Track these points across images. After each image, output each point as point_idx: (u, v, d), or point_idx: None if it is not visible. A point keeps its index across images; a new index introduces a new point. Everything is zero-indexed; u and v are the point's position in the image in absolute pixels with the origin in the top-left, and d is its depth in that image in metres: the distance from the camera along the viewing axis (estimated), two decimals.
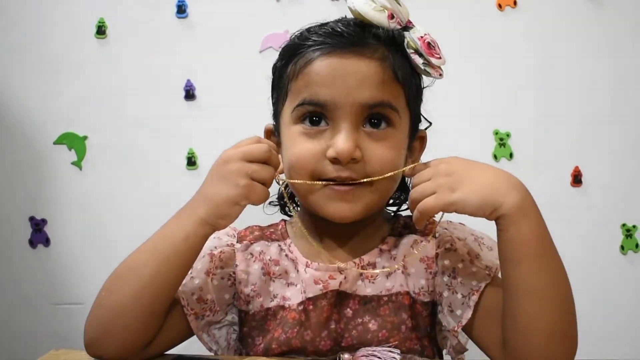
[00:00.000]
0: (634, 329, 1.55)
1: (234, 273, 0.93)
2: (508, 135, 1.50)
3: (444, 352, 0.96)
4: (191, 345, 0.94)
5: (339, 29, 0.87)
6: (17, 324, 1.50)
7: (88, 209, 1.49)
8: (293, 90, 0.88)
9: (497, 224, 0.79)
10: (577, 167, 1.51)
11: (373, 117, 0.87)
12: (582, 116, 1.51)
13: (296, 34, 0.92)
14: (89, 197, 1.49)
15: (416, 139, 0.97)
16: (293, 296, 0.91)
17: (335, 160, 0.84)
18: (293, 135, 0.88)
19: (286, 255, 0.94)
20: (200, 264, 0.91)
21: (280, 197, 1.05)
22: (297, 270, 0.92)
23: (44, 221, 1.49)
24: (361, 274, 0.92)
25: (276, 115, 0.95)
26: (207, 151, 1.49)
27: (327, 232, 0.94)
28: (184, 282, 0.88)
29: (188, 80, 1.48)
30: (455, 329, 0.89)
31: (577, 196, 1.52)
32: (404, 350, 0.89)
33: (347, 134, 0.84)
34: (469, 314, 0.87)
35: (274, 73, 0.95)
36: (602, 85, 1.51)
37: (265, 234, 0.98)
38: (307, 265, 0.91)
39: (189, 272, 0.89)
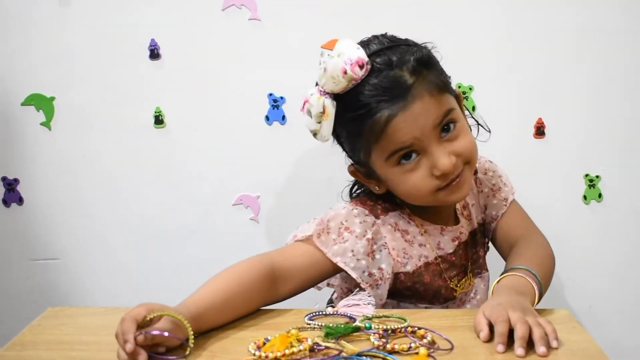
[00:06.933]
0: (596, 277, 1.59)
1: (386, 243, 1.08)
2: (471, 89, 1.51)
3: None
4: None
5: (384, 84, 1.00)
6: None
7: (59, 167, 1.53)
8: (378, 148, 1.03)
9: None
10: (540, 119, 1.53)
11: (444, 126, 1.03)
12: (544, 67, 1.51)
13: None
14: (60, 157, 1.52)
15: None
16: (429, 254, 1.11)
17: (443, 175, 1.02)
18: (399, 175, 1.04)
19: (408, 222, 1.11)
20: (361, 248, 1.04)
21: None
22: (422, 234, 1.12)
23: (16, 181, 1.53)
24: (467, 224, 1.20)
25: (354, 157, 1.11)
26: (173, 109, 1.52)
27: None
28: (351, 266, 1.04)
29: (152, 40, 1.49)
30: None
31: (540, 147, 1.54)
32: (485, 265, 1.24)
33: (440, 153, 1.01)
34: (489, 235, 1.24)
35: (335, 130, 1.06)
36: (564, 35, 1.50)
37: (383, 205, 1.12)
38: (442, 230, 1.13)
39: (353, 255, 1.04)
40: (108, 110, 1.51)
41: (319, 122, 1.03)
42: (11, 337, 0.91)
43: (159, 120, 1.52)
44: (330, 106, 1.02)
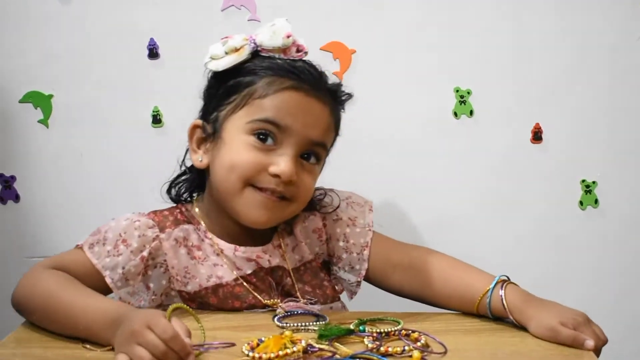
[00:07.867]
0: (591, 283, 1.59)
1: (165, 261, 1.03)
2: (469, 92, 1.52)
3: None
4: None
5: (306, 69, 1.04)
6: None
7: (56, 165, 1.52)
8: (256, 105, 1.01)
9: None
10: (537, 124, 1.53)
11: (309, 151, 1.03)
12: (543, 73, 1.52)
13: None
14: (57, 154, 1.52)
15: None
16: (225, 274, 1.05)
17: (275, 176, 0.99)
18: (242, 143, 1.01)
19: (202, 239, 1.07)
20: (133, 267, 1.00)
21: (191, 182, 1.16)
22: (217, 254, 1.06)
23: (13, 178, 1.52)
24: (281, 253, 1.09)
25: (214, 112, 1.06)
26: (171, 109, 1.52)
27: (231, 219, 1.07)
28: (118, 285, 0.99)
29: (151, 39, 1.49)
30: (358, 280, 1.13)
31: (537, 153, 1.54)
32: (328, 299, 1.12)
33: (292, 160, 1.00)
34: (365, 265, 1.12)
35: (226, 75, 1.05)
36: (564, 42, 1.51)
37: (177, 217, 1.08)
38: (235, 250, 1.06)
39: (122, 274, 0.99)
40: (106, 108, 1.51)
41: (226, 54, 1.04)
42: (5, 334, 0.92)
43: (156, 120, 1.52)
44: (247, 52, 1.04)
